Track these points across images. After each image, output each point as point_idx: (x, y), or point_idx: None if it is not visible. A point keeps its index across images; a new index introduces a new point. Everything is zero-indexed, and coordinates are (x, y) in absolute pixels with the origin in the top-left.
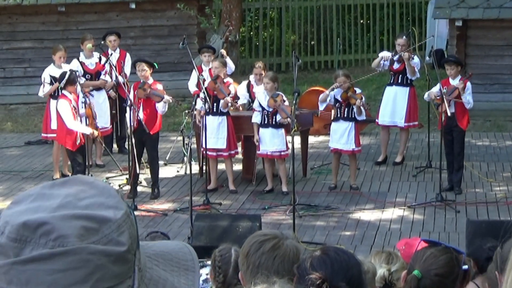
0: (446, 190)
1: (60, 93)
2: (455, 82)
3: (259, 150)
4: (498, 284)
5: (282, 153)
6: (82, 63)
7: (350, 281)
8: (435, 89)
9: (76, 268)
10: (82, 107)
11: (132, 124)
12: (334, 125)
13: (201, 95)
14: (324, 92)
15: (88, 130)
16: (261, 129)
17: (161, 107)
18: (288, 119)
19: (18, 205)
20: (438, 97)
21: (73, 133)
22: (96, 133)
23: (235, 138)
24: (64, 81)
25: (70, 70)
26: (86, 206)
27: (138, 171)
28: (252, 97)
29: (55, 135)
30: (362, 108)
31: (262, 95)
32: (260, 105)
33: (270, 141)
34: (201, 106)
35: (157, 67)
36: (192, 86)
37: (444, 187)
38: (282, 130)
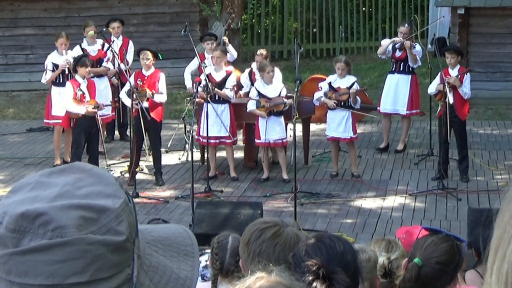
0: (436, 179)
1: (63, 79)
2: (454, 71)
3: (259, 139)
4: None
5: (284, 140)
6: (84, 50)
7: (346, 266)
8: (436, 81)
9: (75, 259)
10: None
11: (132, 110)
12: (330, 114)
13: (203, 82)
14: (317, 92)
15: (83, 110)
16: (261, 118)
17: (157, 99)
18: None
19: (16, 194)
20: (438, 84)
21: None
22: (90, 108)
23: (236, 125)
24: (75, 63)
25: (84, 53)
26: (84, 195)
27: (139, 159)
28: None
29: (56, 121)
30: (357, 97)
31: (260, 83)
32: (259, 93)
33: (272, 129)
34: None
35: (161, 58)
36: (187, 73)
37: (433, 176)
38: (282, 118)
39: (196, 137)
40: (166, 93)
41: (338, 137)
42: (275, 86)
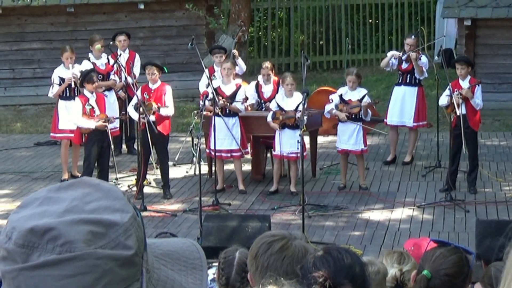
0: (444, 190)
1: (70, 93)
2: (465, 83)
3: (275, 151)
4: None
5: (298, 154)
6: (93, 64)
7: (353, 279)
8: (446, 93)
9: (84, 274)
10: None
11: (139, 124)
12: (341, 126)
13: (210, 95)
14: (328, 104)
15: (93, 124)
16: (277, 130)
17: (164, 112)
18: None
19: (25, 209)
20: (448, 96)
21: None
22: (100, 122)
23: (246, 138)
24: (82, 79)
25: (91, 68)
26: (92, 210)
27: (146, 172)
28: (261, 97)
29: (63, 135)
30: (368, 110)
31: (280, 95)
32: (278, 105)
33: (287, 142)
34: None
35: (167, 71)
36: (202, 87)
37: (441, 188)
38: (299, 131)
39: (207, 150)
40: (174, 106)
41: (349, 150)
42: (294, 99)
